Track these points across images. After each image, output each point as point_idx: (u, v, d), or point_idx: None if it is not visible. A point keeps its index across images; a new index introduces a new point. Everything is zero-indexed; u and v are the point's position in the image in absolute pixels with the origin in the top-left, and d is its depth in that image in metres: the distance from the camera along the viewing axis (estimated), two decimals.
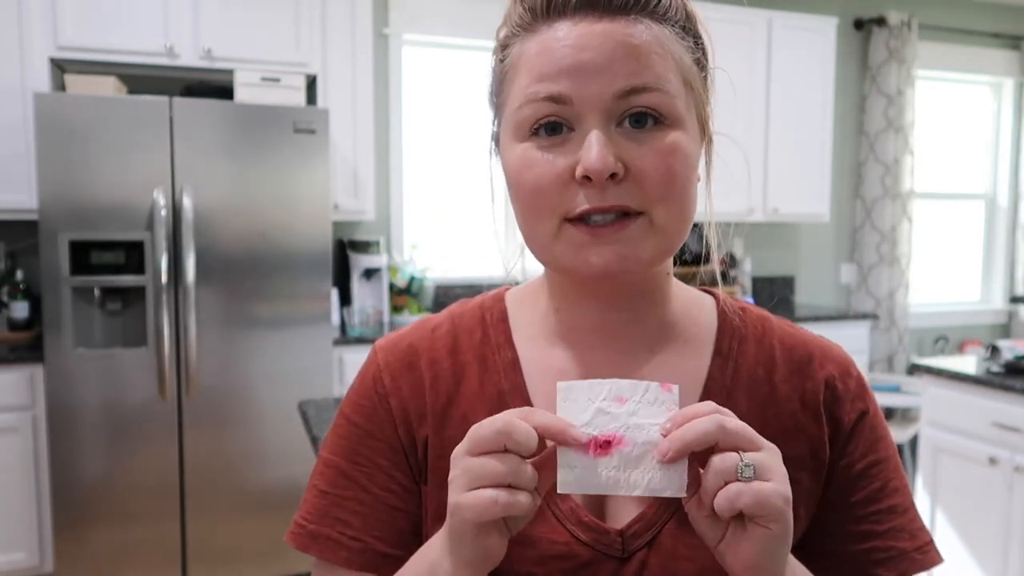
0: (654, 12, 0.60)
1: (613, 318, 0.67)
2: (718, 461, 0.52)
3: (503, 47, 0.65)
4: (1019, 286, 4.98)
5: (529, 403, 0.66)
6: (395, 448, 0.67)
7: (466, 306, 0.74)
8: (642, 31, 0.59)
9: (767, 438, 0.65)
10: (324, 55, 3.22)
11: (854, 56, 4.57)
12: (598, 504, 0.64)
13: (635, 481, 0.54)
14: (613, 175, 0.57)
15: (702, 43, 0.64)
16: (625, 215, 0.59)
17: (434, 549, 0.59)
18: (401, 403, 0.68)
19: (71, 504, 2.72)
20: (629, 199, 0.58)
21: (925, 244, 4.85)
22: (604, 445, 0.54)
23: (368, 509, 0.66)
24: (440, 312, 0.74)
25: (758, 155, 4.02)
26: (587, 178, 0.58)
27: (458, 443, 0.60)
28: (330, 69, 3.24)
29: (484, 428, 0.54)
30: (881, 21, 4.44)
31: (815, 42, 4.12)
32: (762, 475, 0.52)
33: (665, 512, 0.63)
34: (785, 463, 0.64)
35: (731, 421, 0.54)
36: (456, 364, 0.69)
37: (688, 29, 0.63)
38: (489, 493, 0.52)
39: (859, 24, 4.54)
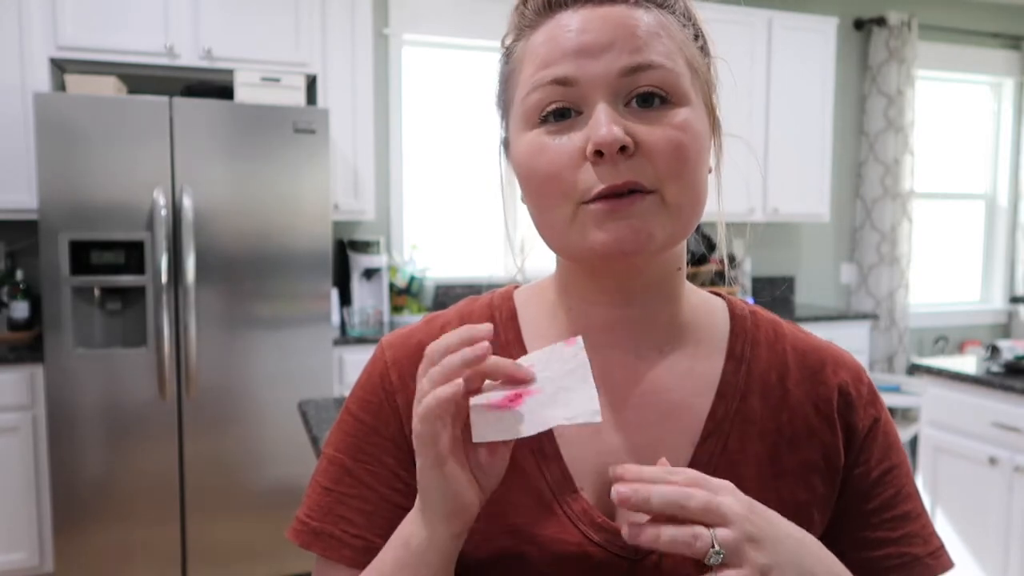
0: (654, 1, 0.62)
1: (624, 315, 0.66)
2: (691, 538, 0.51)
3: (508, 51, 0.66)
4: (1019, 286, 4.98)
5: None
6: (400, 446, 0.67)
7: (475, 304, 0.73)
8: (643, 14, 0.60)
9: (780, 442, 0.65)
10: (324, 55, 3.22)
11: (854, 56, 4.57)
12: (610, 506, 0.63)
13: (548, 417, 0.55)
14: (624, 149, 0.57)
15: (702, 37, 0.65)
16: (638, 191, 0.59)
17: (407, 522, 0.60)
18: (408, 400, 0.67)
19: (71, 504, 2.72)
20: (641, 175, 0.58)
21: (925, 244, 4.85)
22: (515, 398, 0.55)
23: (372, 507, 0.66)
24: (448, 309, 0.74)
25: (758, 155, 4.02)
26: (599, 154, 0.57)
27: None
28: (330, 69, 3.24)
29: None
30: (881, 21, 4.44)
31: (815, 42, 4.11)
32: (730, 560, 0.52)
33: None
34: (799, 467, 0.65)
35: (696, 499, 0.53)
36: None
37: (688, 19, 0.64)
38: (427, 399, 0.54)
39: (859, 24, 4.54)
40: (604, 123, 0.57)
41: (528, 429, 0.54)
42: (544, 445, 0.64)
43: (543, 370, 0.57)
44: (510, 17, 0.65)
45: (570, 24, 0.60)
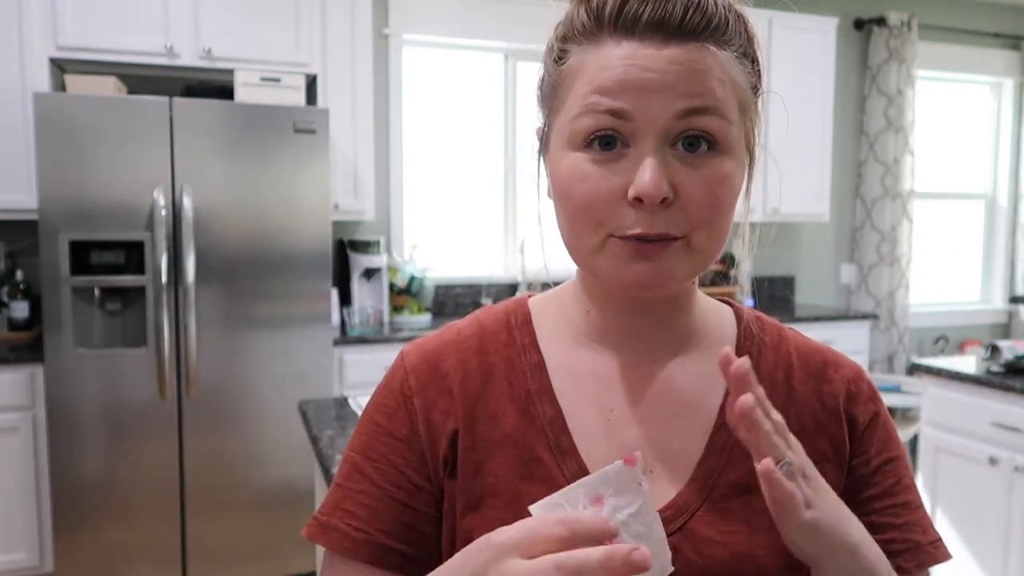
0: (720, 39, 0.62)
1: (640, 321, 0.70)
2: (781, 442, 0.58)
3: (561, 48, 0.65)
4: (1019, 286, 4.98)
5: (556, 403, 0.68)
6: (413, 447, 0.69)
7: (491, 310, 0.76)
8: (707, 57, 0.60)
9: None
10: (324, 55, 3.22)
11: (854, 56, 4.57)
12: None
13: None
14: (664, 199, 0.59)
15: (758, 66, 0.66)
16: (667, 239, 0.61)
17: None
18: (425, 402, 0.69)
19: (71, 504, 2.72)
20: (673, 226, 0.60)
21: (925, 244, 4.85)
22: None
23: (375, 502, 0.68)
24: (464, 318, 0.77)
25: (758, 155, 4.02)
26: (639, 199, 0.59)
27: (488, 439, 0.64)
28: (330, 69, 3.24)
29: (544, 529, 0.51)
30: (881, 21, 4.44)
31: (815, 42, 4.12)
32: (791, 476, 0.56)
33: (696, 500, 0.65)
34: (810, 456, 0.67)
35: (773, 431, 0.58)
36: (484, 363, 0.71)
37: (747, 54, 0.64)
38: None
39: (859, 24, 4.54)
40: (650, 174, 0.59)
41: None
42: (561, 441, 0.67)
43: (613, 508, 0.54)
44: (570, 6, 0.64)
45: (634, 58, 0.60)
